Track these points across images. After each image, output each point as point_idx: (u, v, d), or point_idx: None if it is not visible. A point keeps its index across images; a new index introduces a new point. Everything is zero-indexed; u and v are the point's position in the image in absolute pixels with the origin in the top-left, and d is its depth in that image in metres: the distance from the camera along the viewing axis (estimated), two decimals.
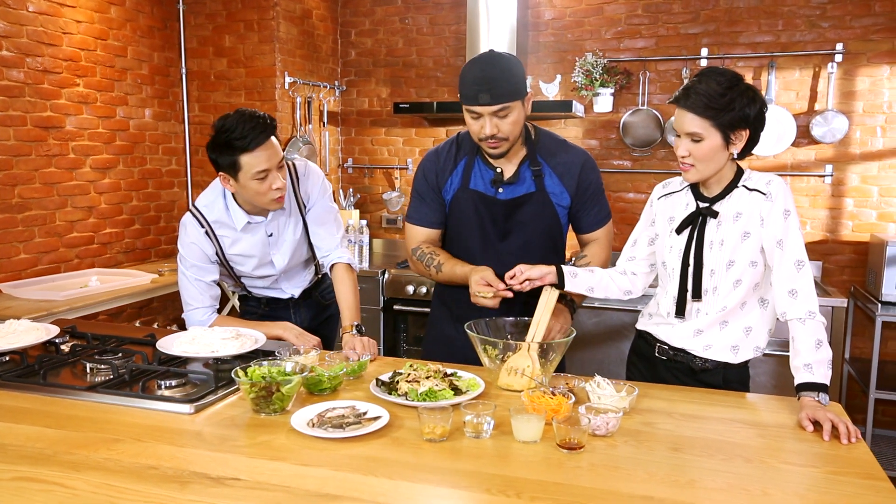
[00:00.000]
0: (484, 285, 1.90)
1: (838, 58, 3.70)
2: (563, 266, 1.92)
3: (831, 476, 1.33)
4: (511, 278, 1.89)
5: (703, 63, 3.91)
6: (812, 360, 1.65)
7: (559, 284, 1.89)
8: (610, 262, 2.16)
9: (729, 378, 1.88)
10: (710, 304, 1.84)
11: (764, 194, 1.76)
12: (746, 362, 1.89)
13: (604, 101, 4.02)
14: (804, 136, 3.80)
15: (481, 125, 1.93)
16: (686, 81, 3.88)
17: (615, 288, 2.00)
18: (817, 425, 1.54)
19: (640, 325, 2.04)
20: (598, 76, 3.97)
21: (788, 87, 3.83)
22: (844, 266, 3.85)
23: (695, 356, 1.88)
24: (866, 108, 3.73)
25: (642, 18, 4.04)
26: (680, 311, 1.87)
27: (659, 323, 1.95)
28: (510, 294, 1.90)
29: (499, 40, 4.06)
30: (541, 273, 1.88)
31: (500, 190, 2.07)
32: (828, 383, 1.64)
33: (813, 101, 3.80)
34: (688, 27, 3.96)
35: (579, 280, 1.93)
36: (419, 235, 2.16)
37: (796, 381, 1.66)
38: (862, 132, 3.75)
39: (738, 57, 3.86)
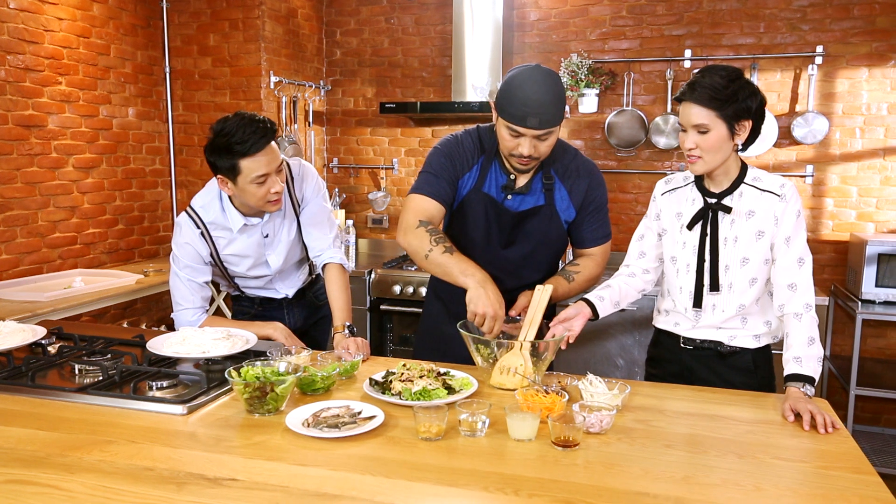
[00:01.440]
0: (490, 324, 1.79)
1: (818, 60, 3.76)
2: (588, 297, 1.96)
3: (821, 471, 1.36)
4: (558, 326, 1.87)
5: (687, 64, 3.95)
6: (802, 353, 1.72)
7: (594, 316, 1.94)
8: (600, 280, 2.15)
9: (757, 358, 1.94)
10: (727, 301, 1.89)
11: (778, 196, 1.83)
12: (768, 345, 1.96)
13: (589, 102, 4.05)
14: (785, 136, 3.86)
15: (518, 143, 1.88)
16: (669, 82, 3.95)
17: (633, 293, 2.05)
18: (799, 416, 1.59)
19: (658, 324, 2.06)
20: (583, 77, 3.99)
21: (770, 88, 3.88)
22: (825, 265, 3.92)
23: (721, 342, 1.93)
24: (846, 110, 3.80)
25: (627, 20, 4.07)
26: (697, 303, 1.92)
27: (678, 321, 1.99)
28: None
29: (484, 41, 4.07)
30: (576, 311, 1.91)
31: (509, 197, 2.04)
32: (815, 377, 1.70)
33: (794, 102, 3.86)
34: (671, 29, 4.00)
35: (607, 302, 1.98)
36: (430, 208, 2.00)
37: (785, 373, 1.73)
38: (841, 133, 3.81)
39: (720, 59, 3.90)
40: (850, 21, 3.74)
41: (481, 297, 1.80)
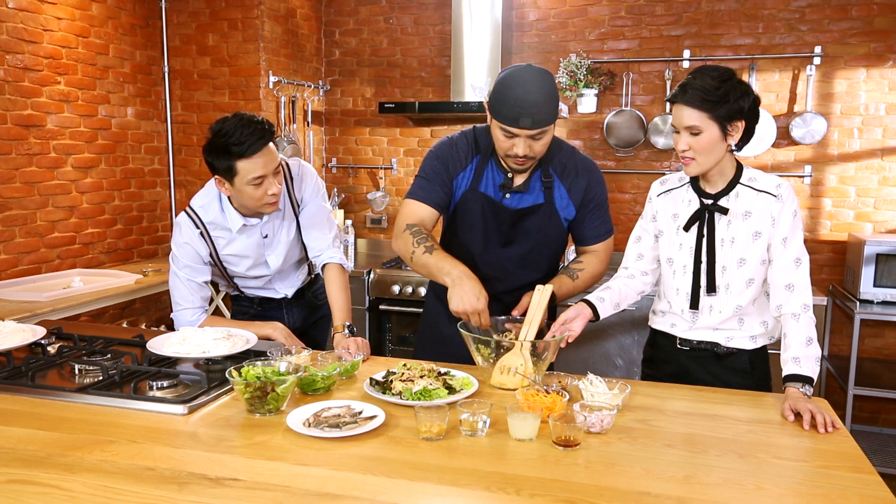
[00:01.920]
0: (476, 318, 1.83)
1: (817, 60, 3.77)
2: (589, 299, 1.95)
3: (822, 470, 1.36)
4: (559, 327, 1.87)
5: (686, 65, 3.96)
6: (801, 354, 1.72)
7: (595, 317, 1.93)
8: (604, 277, 2.16)
9: (754, 359, 1.94)
10: (725, 302, 1.89)
11: (774, 196, 1.83)
12: (764, 346, 1.96)
13: (588, 102, 4.05)
14: (784, 137, 3.87)
15: (513, 144, 1.88)
16: (668, 83, 3.95)
17: (633, 294, 2.05)
18: (798, 416, 1.60)
19: (655, 325, 2.06)
20: (582, 77, 4.00)
21: (768, 88, 3.89)
22: (823, 265, 3.92)
23: (718, 343, 1.93)
24: (844, 110, 3.81)
25: (625, 20, 4.08)
26: (694, 304, 1.92)
27: (675, 322, 1.99)
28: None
29: (483, 41, 4.07)
30: (576, 312, 1.90)
31: (507, 196, 2.04)
32: (814, 377, 1.71)
33: (792, 102, 3.87)
34: (670, 29, 4.01)
35: (607, 303, 1.97)
36: (421, 212, 2.03)
37: (784, 373, 1.73)
38: (840, 133, 3.82)
39: (719, 59, 3.91)
40: (848, 22, 3.75)
41: (457, 293, 1.82)
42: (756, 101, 1.80)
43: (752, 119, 1.80)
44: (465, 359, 1.96)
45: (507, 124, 1.85)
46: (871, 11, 3.71)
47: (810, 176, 3.86)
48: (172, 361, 1.94)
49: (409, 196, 2.07)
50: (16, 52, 3.21)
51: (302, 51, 4.41)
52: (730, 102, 1.74)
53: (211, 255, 2.21)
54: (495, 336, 1.89)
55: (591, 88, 4.03)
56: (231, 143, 1.96)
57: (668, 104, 4.01)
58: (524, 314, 1.93)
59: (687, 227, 1.91)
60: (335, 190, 4.63)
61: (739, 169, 1.88)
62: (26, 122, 3.29)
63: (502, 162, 2.02)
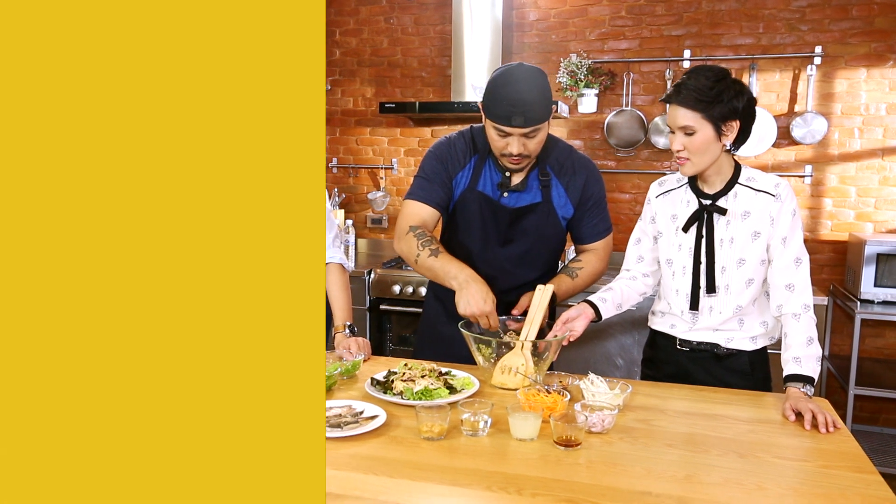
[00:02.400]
0: (485, 321, 1.83)
1: (817, 60, 3.77)
2: (591, 299, 1.95)
3: (823, 470, 1.36)
4: (561, 327, 1.87)
5: (686, 65, 3.96)
6: (801, 354, 1.72)
7: (597, 318, 1.93)
8: (604, 275, 2.16)
9: (754, 360, 1.94)
10: (724, 302, 1.88)
11: (773, 196, 1.83)
12: (764, 347, 1.96)
13: (588, 102, 4.05)
14: (784, 136, 3.87)
15: (507, 143, 1.89)
16: (669, 82, 3.96)
17: (635, 295, 2.04)
18: (799, 416, 1.60)
19: (654, 325, 2.06)
20: (582, 77, 4.00)
21: (769, 88, 3.89)
22: (824, 265, 3.93)
23: (718, 344, 1.93)
24: (844, 110, 3.81)
25: (626, 20, 4.08)
26: (694, 306, 1.91)
27: (675, 323, 1.98)
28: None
29: (483, 41, 4.08)
30: (578, 312, 1.90)
31: (505, 195, 2.04)
32: (815, 377, 1.71)
33: (793, 102, 3.87)
34: (671, 29, 4.01)
35: (609, 304, 1.97)
36: (422, 213, 2.03)
37: (784, 373, 1.73)
38: (840, 133, 3.82)
39: (720, 59, 3.91)
40: (848, 21, 3.75)
41: (464, 297, 1.82)
42: (751, 101, 1.79)
43: (747, 119, 1.80)
44: (465, 359, 1.96)
45: (499, 123, 1.86)
46: (871, 11, 3.71)
47: (811, 176, 3.87)
48: None
49: (409, 196, 2.07)
50: None
51: None
52: (723, 102, 1.74)
53: None
54: (504, 336, 1.89)
55: (591, 88, 4.03)
56: None
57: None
58: (523, 314, 1.93)
59: (686, 228, 1.91)
60: (335, 190, 4.63)
61: (738, 169, 1.88)
62: None
63: (498, 161, 2.02)
